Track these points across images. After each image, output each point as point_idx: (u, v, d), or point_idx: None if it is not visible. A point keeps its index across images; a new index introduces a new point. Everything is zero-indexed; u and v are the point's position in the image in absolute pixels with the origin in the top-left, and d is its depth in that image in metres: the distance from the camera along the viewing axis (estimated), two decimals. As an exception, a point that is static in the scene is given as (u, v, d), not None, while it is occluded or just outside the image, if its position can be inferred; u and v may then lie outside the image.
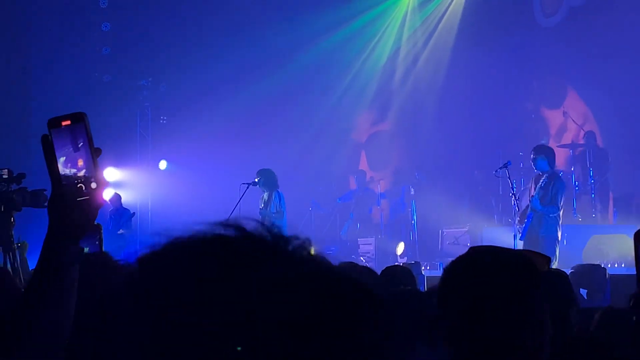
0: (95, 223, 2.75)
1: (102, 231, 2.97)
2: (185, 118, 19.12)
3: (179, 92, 19.72)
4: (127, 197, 17.67)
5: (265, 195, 13.77)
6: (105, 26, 19.43)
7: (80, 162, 2.07)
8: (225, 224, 0.93)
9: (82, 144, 2.08)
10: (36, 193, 7.15)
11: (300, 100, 19.81)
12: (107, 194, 17.58)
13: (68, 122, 2.10)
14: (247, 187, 13.75)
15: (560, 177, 12.71)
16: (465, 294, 2.37)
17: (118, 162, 19.41)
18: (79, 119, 2.10)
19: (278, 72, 19.24)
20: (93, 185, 2.07)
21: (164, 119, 20.22)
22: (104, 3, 19.33)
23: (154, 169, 19.78)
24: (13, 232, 7.50)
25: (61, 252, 2.04)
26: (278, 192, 13.67)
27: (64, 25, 18.81)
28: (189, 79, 19.37)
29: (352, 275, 0.92)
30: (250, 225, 0.93)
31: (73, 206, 2.04)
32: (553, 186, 11.95)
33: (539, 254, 2.82)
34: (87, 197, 2.05)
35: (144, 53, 19.16)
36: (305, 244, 0.93)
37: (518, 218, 12.37)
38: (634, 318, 2.49)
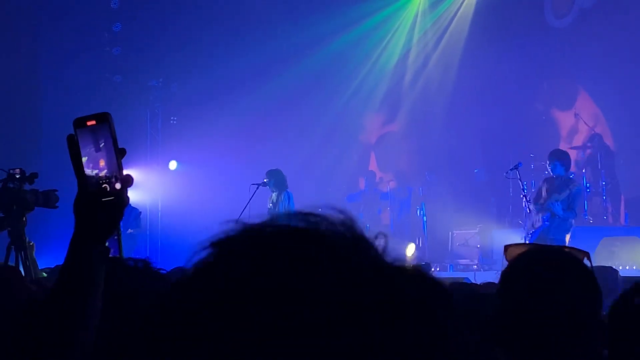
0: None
1: (120, 234, 2.94)
2: (195, 119, 19.13)
3: (189, 93, 19.73)
4: (137, 197, 17.67)
5: (274, 196, 13.78)
6: (117, 27, 19.45)
7: (103, 163, 2.08)
8: (308, 214, 0.90)
9: (105, 144, 2.09)
10: (47, 193, 7.16)
11: (310, 101, 19.81)
12: (133, 195, 17.62)
13: (93, 122, 2.10)
14: (257, 188, 13.75)
15: (578, 183, 12.69)
16: (524, 296, 2.38)
17: (128, 162, 19.29)
18: (103, 119, 2.11)
19: (288, 73, 19.23)
20: (117, 185, 2.07)
21: (174, 120, 20.23)
22: (115, 3, 19.35)
23: (164, 169, 19.79)
24: (25, 232, 7.52)
25: (87, 252, 2.04)
26: (287, 192, 13.66)
27: (75, 26, 18.83)
28: (199, 79, 19.38)
29: (429, 274, 0.91)
30: (332, 219, 0.91)
31: (98, 206, 2.04)
32: (571, 192, 11.94)
33: (578, 250, 2.82)
34: (112, 198, 2.05)
35: (155, 54, 19.17)
36: (380, 243, 0.91)
37: (530, 221, 12.32)
38: None
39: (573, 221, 12.22)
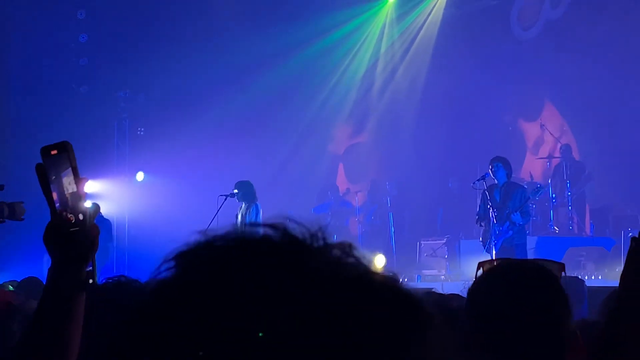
0: None
1: (94, 257, 2.93)
2: (162, 129, 19.06)
3: (156, 104, 19.66)
4: (104, 209, 17.53)
5: (243, 208, 13.74)
6: (83, 37, 19.35)
7: (69, 192, 2.05)
8: (271, 225, 0.91)
9: (67, 173, 2.06)
10: (13, 205, 7.10)
11: (279, 112, 19.81)
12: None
13: (55, 152, 2.07)
14: (225, 199, 13.72)
15: (519, 184, 12.86)
16: (492, 310, 2.39)
17: (95, 174, 19.28)
18: (62, 148, 2.07)
19: (256, 84, 19.23)
20: (80, 216, 2.04)
21: (141, 130, 20.14)
22: (81, 14, 19.25)
23: (131, 180, 19.69)
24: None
25: (63, 282, 2.03)
26: (256, 204, 13.63)
27: (41, 37, 18.72)
28: (167, 90, 19.32)
29: (400, 285, 0.91)
30: (295, 229, 0.91)
31: (66, 237, 2.03)
32: (517, 195, 12.13)
33: (551, 260, 2.84)
34: (77, 229, 2.03)
35: (122, 64, 19.09)
36: (348, 249, 0.92)
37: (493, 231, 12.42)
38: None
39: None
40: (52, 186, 2.04)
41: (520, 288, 2.43)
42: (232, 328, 0.83)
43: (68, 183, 2.05)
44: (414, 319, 0.88)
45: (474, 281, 2.56)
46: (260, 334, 0.83)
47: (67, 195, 2.05)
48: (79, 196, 2.06)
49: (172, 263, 0.91)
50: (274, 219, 0.93)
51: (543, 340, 2.38)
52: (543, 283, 2.46)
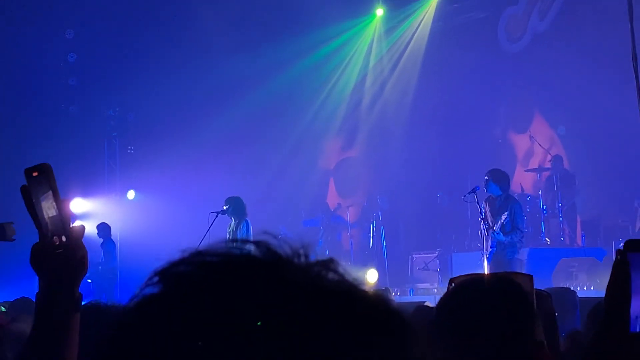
0: None
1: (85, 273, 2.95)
2: (152, 147, 19.05)
3: (146, 122, 19.67)
4: (95, 228, 17.53)
5: (234, 224, 13.71)
6: (72, 57, 19.36)
7: (49, 216, 2.04)
8: (253, 242, 0.92)
9: (48, 195, 2.04)
10: (3, 226, 7.09)
11: (268, 128, 19.82)
12: (91, 226, 17.52)
13: (36, 173, 2.05)
14: (216, 216, 13.69)
15: (515, 199, 12.79)
16: (459, 329, 2.40)
17: (86, 193, 19.28)
18: (42, 170, 2.05)
19: (245, 100, 19.24)
20: (63, 238, 2.03)
21: (131, 149, 20.15)
22: (69, 34, 19.27)
23: (122, 198, 19.68)
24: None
25: (52, 303, 2.03)
26: (246, 220, 13.60)
27: (30, 57, 18.72)
28: (156, 108, 19.33)
29: (383, 298, 0.91)
30: (276, 245, 0.92)
31: (52, 259, 2.02)
32: (510, 211, 12.00)
33: (520, 273, 2.86)
34: (62, 251, 2.03)
35: (111, 83, 19.10)
36: (330, 265, 0.92)
37: (487, 244, 12.39)
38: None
39: (523, 238, 12.36)
40: (39, 209, 2.03)
41: (484, 300, 2.45)
42: (211, 342, 0.84)
43: (48, 207, 2.03)
44: (391, 332, 0.89)
45: (442, 296, 2.59)
46: (240, 348, 0.83)
47: (47, 220, 2.03)
48: (61, 218, 2.03)
49: (155, 279, 0.91)
50: (258, 235, 0.94)
51: (508, 352, 2.39)
52: (506, 295, 2.47)
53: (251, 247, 0.91)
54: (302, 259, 0.92)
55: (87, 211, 19.02)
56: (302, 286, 0.88)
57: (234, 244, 0.92)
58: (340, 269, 0.92)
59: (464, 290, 2.53)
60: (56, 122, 19.03)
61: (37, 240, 2.05)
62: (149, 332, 0.86)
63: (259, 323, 0.83)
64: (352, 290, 0.90)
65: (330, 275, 0.91)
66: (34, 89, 18.86)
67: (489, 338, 2.38)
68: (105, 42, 19.17)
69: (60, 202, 2.04)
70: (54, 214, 2.03)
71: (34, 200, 2.03)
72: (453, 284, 2.63)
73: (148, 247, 17.19)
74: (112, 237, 17.30)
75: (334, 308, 0.87)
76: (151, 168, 18.67)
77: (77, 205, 19.09)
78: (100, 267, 16.73)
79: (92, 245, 17.10)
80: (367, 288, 0.92)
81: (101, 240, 17.02)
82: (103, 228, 17.18)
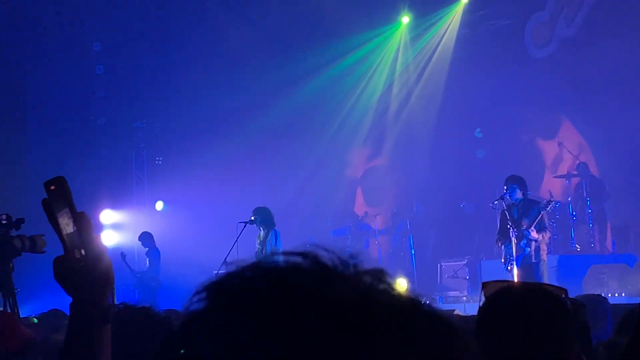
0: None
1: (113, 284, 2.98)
2: (180, 158, 19.13)
3: (173, 133, 19.76)
4: (125, 239, 17.64)
5: (262, 234, 13.71)
6: (99, 69, 19.50)
7: (66, 233, 2.03)
8: (301, 254, 0.91)
9: (65, 213, 2.03)
10: (34, 238, 7.14)
11: (295, 138, 19.83)
12: (105, 234, 17.59)
13: (53, 187, 2.05)
14: (244, 226, 13.70)
15: (536, 200, 12.81)
16: (502, 335, 2.41)
17: (115, 204, 19.40)
18: (59, 184, 2.05)
19: (272, 111, 19.27)
20: (82, 251, 2.03)
21: (159, 160, 20.24)
22: (97, 46, 19.41)
23: (150, 210, 19.76)
24: (12, 278, 7.48)
25: (81, 316, 2.04)
26: (275, 230, 13.60)
27: (58, 70, 18.86)
28: (184, 119, 19.41)
29: (439, 313, 0.90)
30: (326, 257, 0.91)
31: (74, 272, 2.02)
32: (533, 211, 12.13)
33: (554, 286, 2.86)
34: (83, 264, 2.02)
35: (138, 94, 19.22)
36: (381, 276, 0.91)
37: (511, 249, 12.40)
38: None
39: (549, 238, 12.43)
40: (60, 222, 2.02)
41: (531, 314, 2.45)
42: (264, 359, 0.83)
43: (65, 223, 2.03)
44: (452, 347, 0.88)
45: (482, 304, 2.58)
46: None
47: (65, 237, 2.02)
48: (79, 232, 2.03)
49: (203, 295, 0.90)
50: (304, 246, 0.92)
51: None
52: (552, 310, 2.48)
53: (299, 259, 0.90)
54: (352, 269, 0.91)
55: (116, 222, 19.12)
56: (353, 299, 0.86)
57: (283, 255, 0.91)
58: (391, 280, 0.91)
59: (502, 304, 2.53)
60: (84, 134, 19.17)
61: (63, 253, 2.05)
62: (197, 350, 0.86)
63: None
64: (405, 303, 0.89)
65: (382, 286, 0.90)
66: (62, 101, 19.00)
67: (529, 351, 2.38)
68: (132, 54, 19.28)
69: (77, 216, 2.04)
70: (72, 229, 2.03)
71: (60, 213, 2.03)
72: (485, 288, 2.62)
73: (177, 257, 17.29)
74: (156, 246, 17.25)
75: (386, 321, 0.85)
76: (179, 179, 18.73)
77: (106, 216, 19.20)
78: (138, 275, 16.78)
79: (131, 255, 17.24)
80: (418, 299, 0.90)
81: (146, 249, 17.04)
82: (146, 237, 17.16)
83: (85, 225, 2.05)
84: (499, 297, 2.56)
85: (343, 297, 0.86)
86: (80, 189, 17.87)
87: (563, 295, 2.68)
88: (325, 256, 0.90)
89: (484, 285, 2.70)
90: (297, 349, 0.83)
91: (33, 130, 19.26)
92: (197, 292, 0.90)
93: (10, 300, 7.41)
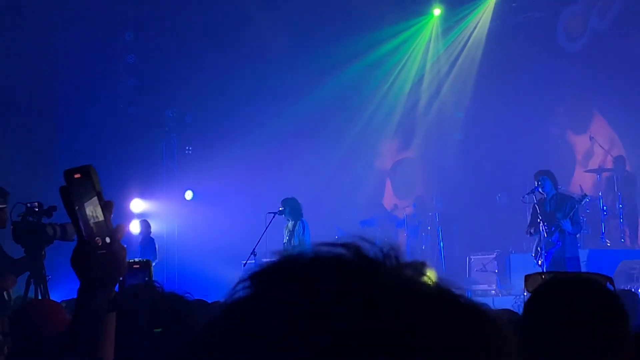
0: (145, 260, 2.83)
1: (152, 267, 3.02)
2: (210, 148, 19.17)
3: (204, 123, 19.80)
4: (154, 228, 17.71)
5: (290, 225, 13.74)
6: (131, 58, 19.57)
7: (94, 216, 2.04)
8: (343, 244, 0.90)
9: (92, 197, 2.04)
10: (65, 226, 7.20)
11: (325, 129, 19.81)
12: (134, 224, 17.67)
13: (79, 175, 2.06)
14: (273, 217, 13.73)
15: (571, 196, 12.73)
16: (551, 329, 2.40)
17: (145, 193, 19.49)
18: (86, 173, 2.06)
19: (303, 101, 19.26)
20: (107, 239, 2.04)
21: (189, 149, 20.30)
22: (129, 35, 19.49)
23: (180, 199, 19.83)
24: (44, 265, 7.56)
25: (90, 302, 2.06)
26: (303, 221, 13.63)
27: (90, 58, 18.96)
28: (214, 109, 19.45)
29: (480, 306, 0.90)
30: (367, 247, 0.91)
31: (93, 260, 2.04)
32: (567, 205, 12.05)
33: (600, 275, 2.86)
34: (104, 252, 2.04)
35: (169, 84, 19.26)
36: (420, 268, 0.91)
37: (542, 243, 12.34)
38: None
39: (579, 235, 12.38)
40: (80, 216, 2.04)
41: (580, 304, 2.44)
42: (308, 348, 0.83)
43: (92, 212, 2.04)
44: (496, 342, 0.87)
45: (530, 296, 2.57)
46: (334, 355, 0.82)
47: (92, 225, 2.03)
48: (106, 221, 2.04)
49: (247, 283, 0.90)
50: (346, 238, 0.92)
51: (600, 357, 2.38)
52: (603, 299, 2.47)
53: (342, 250, 0.89)
54: (394, 261, 0.90)
55: (145, 211, 19.22)
56: (397, 291, 0.86)
57: (325, 247, 0.91)
58: (430, 272, 0.90)
59: (553, 295, 2.51)
60: (115, 123, 19.25)
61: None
62: (237, 337, 0.86)
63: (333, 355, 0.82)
64: (448, 295, 0.89)
65: (422, 279, 0.90)
66: (93, 90, 19.09)
67: (579, 343, 2.38)
68: (163, 43, 19.34)
69: (105, 205, 2.05)
70: (100, 218, 2.04)
71: (77, 207, 2.04)
72: (528, 281, 2.62)
73: (206, 246, 17.36)
74: (151, 236, 17.22)
75: (428, 313, 0.85)
76: (209, 169, 18.78)
77: (136, 205, 19.30)
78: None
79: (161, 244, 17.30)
80: (459, 292, 0.90)
81: (140, 238, 17.06)
82: (147, 226, 17.22)
83: (111, 214, 2.06)
84: (548, 287, 2.55)
85: (385, 289, 0.86)
86: (110, 177, 17.98)
87: (608, 283, 2.68)
88: (367, 248, 0.90)
89: (527, 278, 2.69)
90: (341, 340, 0.82)
91: (64, 119, 19.38)
92: (242, 280, 0.90)
93: (42, 286, 7.48)
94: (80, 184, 2.05)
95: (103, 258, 2.04)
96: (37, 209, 7.39)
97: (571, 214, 11.99)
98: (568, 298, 2.45)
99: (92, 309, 2.05)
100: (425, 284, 0.89)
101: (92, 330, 2.05)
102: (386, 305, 0.84)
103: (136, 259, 3.13)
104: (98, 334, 2.06)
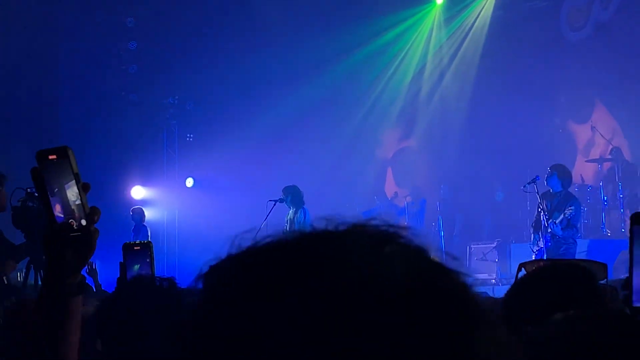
0: (146, 241, 2.83)
1: (152, 250, 3.01)
2: (211, 135, 19.17)
3: (205, 110, 19.79)
4: (155, 215, 17.73)
5: (291, 213, 13.75)
6: (132, 45, 19.54)
7: (71, 198, 2.03)
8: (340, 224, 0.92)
9: (68, 179, 2.03)
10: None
11: (326, 117, 19.80)
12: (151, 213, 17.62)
13: (54, 157, 2.04)
14: (274, 204, 13.74)
15: (575, 198, 12.47)
16: (526, 313, 2.41)
17: (145, 180, 19.49)
18: (63, 154, 2.04)
19: (303, 90, 19.24)
20: (83, 221, 2.03)
21: (190, 137, 20.29)
22: (130, 22, 19.45)
23: (181, 186, 19.84)
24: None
25: (58, 286, 2.04)
26: (304, 209, 13.64)
27: (91, 45, 18.94)
28: (215, 96, 19.44)
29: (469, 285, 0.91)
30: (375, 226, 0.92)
31: (66, 243, 2.03)
32: (569, 209, 11.75)
33: (595, 262, 2.88)
34: (79, 234, 2.03)
35: (170, 71, 19.24)
36: (411, 244, 0.92)
37: (532, 233, 12.28)
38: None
39: (576, 237, 12.10)
40: (55, 198, 2.02)
41: (554, 288, 2.44)
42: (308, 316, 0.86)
43: (72, 194, 2.03)
44: (459, 315, 0.87)
45: (512, 285, 2.58)
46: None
47: (73, 207, 2.02)
48: (81, 201, 2.03)
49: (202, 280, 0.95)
50: (317, 221, 0.93)
51: None
52: (576, 282, 2.47)
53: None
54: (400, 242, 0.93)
55: (146, 198, 19.22)
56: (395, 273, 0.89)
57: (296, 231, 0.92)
58: (434, 256, 0.91)
59: (533, 279, 2.52)
60: (116, 110, 19.24)
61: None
62: (217, 325, 0.89)
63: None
64: (442, 272, 0.89)
65: (423, 263, 0.90)
66: (94, 76, 19.08)
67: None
68: (165, 30, 19.31)
69: (82, 187, 2.04)
70: (77, 200, 2.03)
71: (56, 189, 2.03)
72: (524, 269, 2.63)
73: (206, 234, 17.36)
74: (143, 224, 17.15)
75: (426, 295, 0.88)
76: (210, 156, 18.78)
77: (137, 192, 19.30)
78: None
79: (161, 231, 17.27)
80: (454, 272, 0.90)
81: (133, 224, 17.02)
82: (139, 214, 17.15)
83: (86, 196, 2.06)
84: (528, 276, 2.57)
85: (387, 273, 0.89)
86: (111, 164, 18.01)
87: (603, 271, 2.69)
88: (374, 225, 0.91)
89: (520, 266, 2.70)
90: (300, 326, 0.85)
91: (65, 106, 19.37)
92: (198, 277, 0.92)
93: (42, 272, 7.47)
94: (56, 165, 2.03)
95: (77, 240, 2.03)
96: (37, 194, 7.39)
97: (568, 215, 11.72)
98: (544, 285, 2.46)
99: (60, 292, 2.03)
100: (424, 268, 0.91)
101: (57, 313, 2.04)
102: (390, 289, 0.87)
103: (137, 241, 3.13)
104: (63, 317, 2.04)
